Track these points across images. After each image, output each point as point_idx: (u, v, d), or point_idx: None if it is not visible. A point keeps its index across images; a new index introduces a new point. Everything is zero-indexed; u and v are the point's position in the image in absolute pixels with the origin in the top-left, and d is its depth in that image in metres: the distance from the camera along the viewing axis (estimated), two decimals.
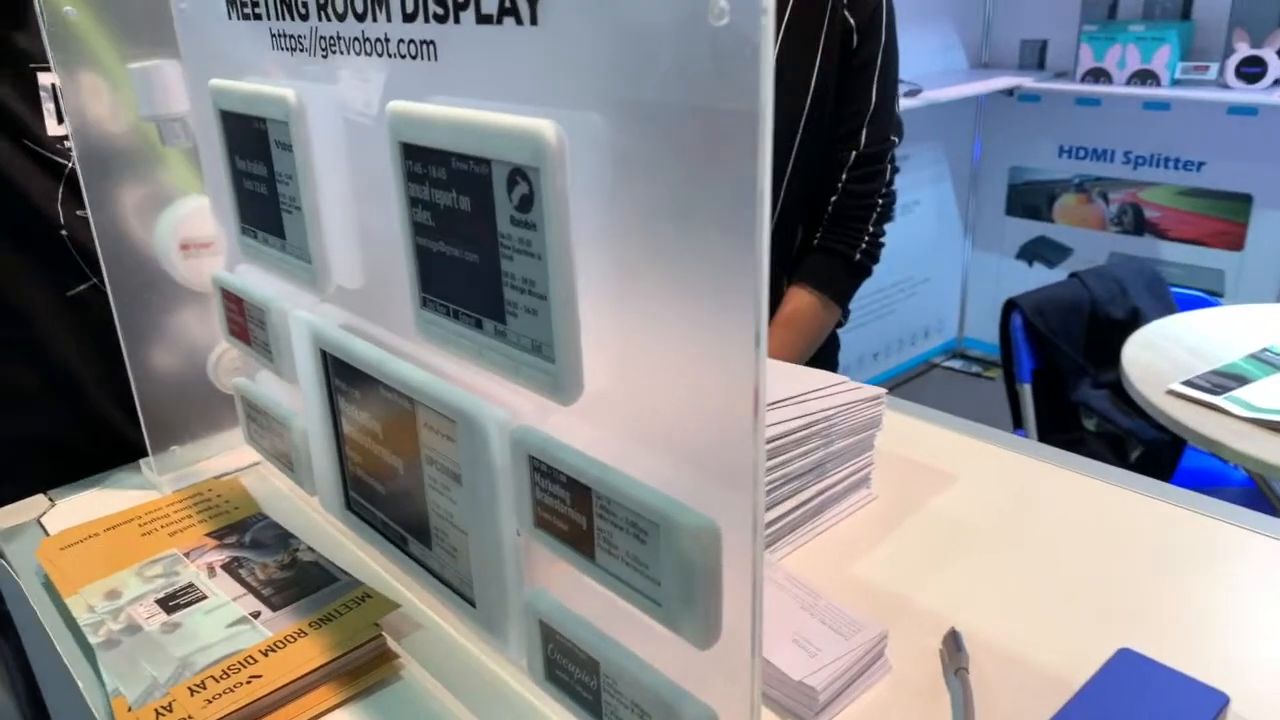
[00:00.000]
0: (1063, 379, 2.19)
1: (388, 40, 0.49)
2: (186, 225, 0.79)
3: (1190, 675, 0.55)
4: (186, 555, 0.71)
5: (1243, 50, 2.70)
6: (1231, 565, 0.69)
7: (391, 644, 0.62)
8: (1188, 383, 1.62)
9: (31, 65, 0.92)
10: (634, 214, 0.41)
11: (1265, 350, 1.74)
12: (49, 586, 0.70)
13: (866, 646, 0.58)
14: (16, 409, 0.99)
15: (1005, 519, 0.75)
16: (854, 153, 1.18)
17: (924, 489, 0.79)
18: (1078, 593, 0.66)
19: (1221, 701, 0.53)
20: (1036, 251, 3.43)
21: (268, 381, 0.78)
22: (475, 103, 0.45)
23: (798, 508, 0.72)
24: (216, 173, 0.72)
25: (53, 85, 0.93)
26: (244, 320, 0.73)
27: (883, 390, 0.78)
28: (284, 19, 0.57)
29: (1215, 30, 2.82)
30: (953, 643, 0.60)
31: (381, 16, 0.49)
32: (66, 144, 0.94)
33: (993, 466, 0.83)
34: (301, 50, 0.57)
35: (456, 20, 0.44)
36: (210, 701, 0.56)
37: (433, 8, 0.46)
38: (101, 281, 0.94)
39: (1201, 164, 2.96)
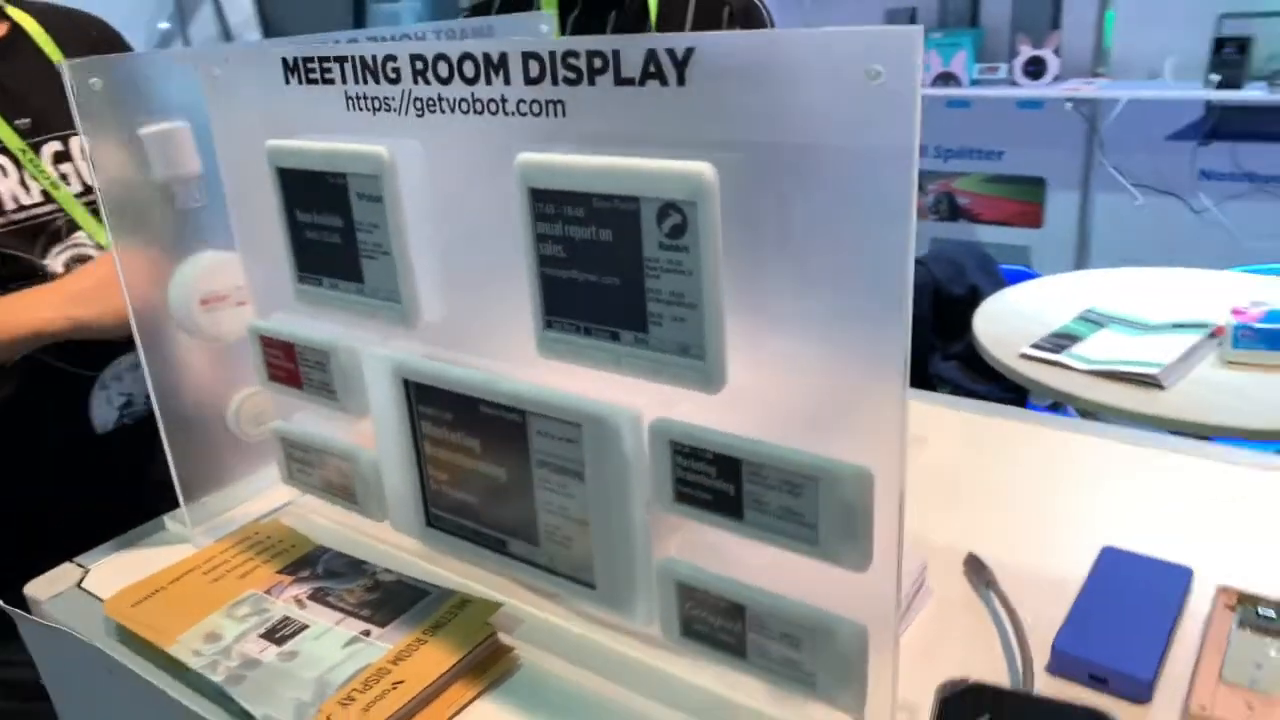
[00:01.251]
0: (918, 355, 2.44)
1: (504, 100, 0.56)
2: (207, 279, 0.81)
3: (1160, 558, 0.70)
4: (267, 593, 0.74)
5: (1025, 52, 3.07)
6: (1149, 471, 0.86)
7: (504, 638, 0.69)
8: (1035, 345, 1.87)
9: None
10: (775, 233, 0.50)
11: (1088, 311, 2.02)
12: (129, 642, 0.72)
13: (915, 573, 0.70)
14: (17, 482, 0.98)
15: (976, 465, 0.90)
16: None
17: None
18: (1049, 508, 0.81)
19: (1188, 574, 0.69)
20: None
21: (307, 421, 0.82)
22: (601, 149, 0.53)
23: None
24: (256, 227, 0.76)
25: None
26: (293, 365, 0.77)
27: None
28: (365, 83, 0.63)
29: (1001, 34, 3.19)
30: (975, 563, 0.73)
31: (498, 80, 0.56)
32: (15, 217, 0.94)
33: (950, 426, 0.98)
34: (388, 110, 0.63)
35: (591, 83, 0.52)
36: (367, 709, 0.61)
37: (562, 73, 0.53)
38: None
39: (1001, 153, 3.34)
